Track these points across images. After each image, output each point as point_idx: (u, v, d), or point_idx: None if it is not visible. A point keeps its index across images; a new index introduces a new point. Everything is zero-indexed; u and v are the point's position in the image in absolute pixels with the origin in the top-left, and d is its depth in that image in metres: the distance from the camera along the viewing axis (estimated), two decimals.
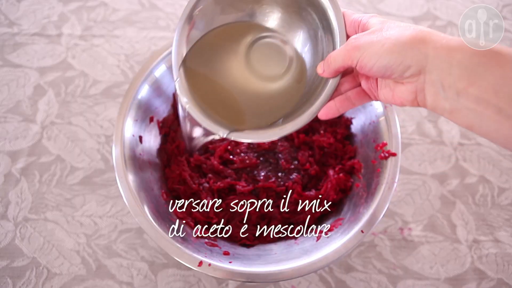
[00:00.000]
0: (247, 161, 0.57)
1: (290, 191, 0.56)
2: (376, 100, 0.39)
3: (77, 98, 0.68)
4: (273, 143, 0.59)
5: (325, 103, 0.40)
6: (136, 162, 0.52)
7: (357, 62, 0.35)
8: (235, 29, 0.45)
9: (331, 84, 0.39)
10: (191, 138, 0.51)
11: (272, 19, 0.45)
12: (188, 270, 0.55)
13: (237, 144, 0.59)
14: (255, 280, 0.45)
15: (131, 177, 0.49)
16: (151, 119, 0.57)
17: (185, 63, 0.42)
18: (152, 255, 0.56)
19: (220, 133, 0.41)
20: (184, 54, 0.42)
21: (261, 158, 0.59)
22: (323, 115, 0.40)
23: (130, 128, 0.53)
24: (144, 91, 0.55)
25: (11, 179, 0.61)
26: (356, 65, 0.35)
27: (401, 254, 0.57)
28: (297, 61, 0.44)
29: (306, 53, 0.44)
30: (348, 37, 0.39)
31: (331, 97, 0.40)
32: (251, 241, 0.53)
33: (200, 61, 0.43)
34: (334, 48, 0.39)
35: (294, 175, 0.58)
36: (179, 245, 0.46)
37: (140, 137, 0.55)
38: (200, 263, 0.44)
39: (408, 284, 0.55)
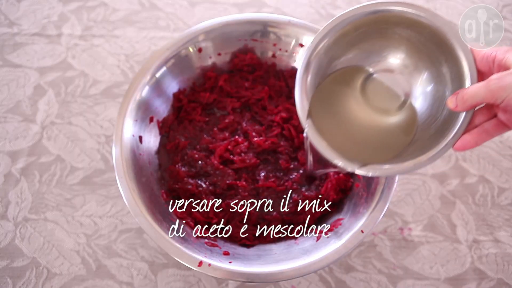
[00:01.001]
0: (247, 161, 0.57)
1: (290, 191, 0.56)
2: None
3: (77, 98, 0.68)
4: (273, 142, 0.59)
5: (460, 135, 0.40)
6: (136, 162, 0.52)
7: (502, 101, 0.35)
8: (351, 70, 0.48)
9: (465, 117, 0.40)
10: (317, 169, 0.54)
11: (394, 57, 0.47)
12: (188, 270, 0.55)
13: (237, 143, 0.59)
14: (255, 280, 0.45)
15: (131, 177, 0.49)
16: (151, 119, 0.57)
17: (310, 110, 0.46)
18: (152, 255, 0.56)
19: (349, 168, 0.43)
20: (307, 103, 0.45)
21: (261, 158, 0.59)
22: (460, 147, 0.40)
23: (130, 128, 0.53)
24: (144, 91, 0.55)
25: (11, 179, 0.61)
26: (501, 103, 0.36)
27: (401, 254, 0.57)
28: (411, 94, 0.46)
29: (427, 87, 0.45)
30: (479, 72, 0.40)
31: (466, 130, 0.40)
32: (251, 241, 0.53)
33: (322, 103, 0.47)
34: (461, 84, 0.40)
35: (294, 175, 0.58)
36: (179, 245, 0.46)
37: (140, 137, 0.55)
38: (200, 263, 0.44)
39: (408, 284, 0.55)
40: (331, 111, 0.47)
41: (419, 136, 0.45)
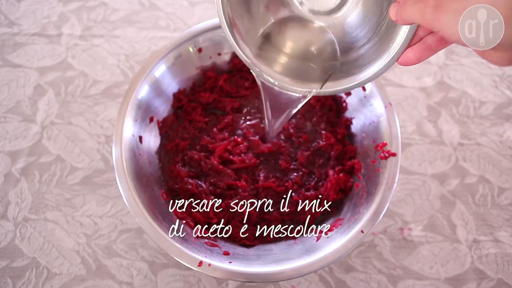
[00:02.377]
0: (247, 161, 0.57)
1: (290, 191, 0.56)
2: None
3: (77, 98, 0.68)
4: (273, 144, 0.59)
5: (404, 50, 0.39)
6: (136, 162, 0.52)
7: (439, 31, 0.33)
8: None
9: (408, 31, 0.38)
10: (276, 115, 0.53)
11: None
12: (188, 270, 0.55)
13: (237, 144, 0.59)
14: (255, 280, 0.45)
15: (131, 177, 0.49)
16: (151, 119, 0.57)
17: (255, 53, 0.46)
18: (152, 255, 0.56)
19: (308, 94, 0.44)
20: (247, 48, 0.45)
21: (261, 158, 0.59)
22: (403, 62, 0.39)
23: (130, 128, 0.53)
24: (144, 91, 0.55)
25: (11, 179, 0.61)
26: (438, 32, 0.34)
27: (401, 254, 0.57)
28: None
29: None
30: None
31: (410, 44, 0.38)
32: (251, 241, 0.53)
33: (267, 44, 0.47)
34: None
35: (294, 175, 0.58)
36: (179, 245, 0.46)
37: (140, 137, 0.55)
38: (200, 263, 0.44)
39: (408, 284, 0.55)
40: (275, 46, 0.46)
41: (361, 48, 0.44)
